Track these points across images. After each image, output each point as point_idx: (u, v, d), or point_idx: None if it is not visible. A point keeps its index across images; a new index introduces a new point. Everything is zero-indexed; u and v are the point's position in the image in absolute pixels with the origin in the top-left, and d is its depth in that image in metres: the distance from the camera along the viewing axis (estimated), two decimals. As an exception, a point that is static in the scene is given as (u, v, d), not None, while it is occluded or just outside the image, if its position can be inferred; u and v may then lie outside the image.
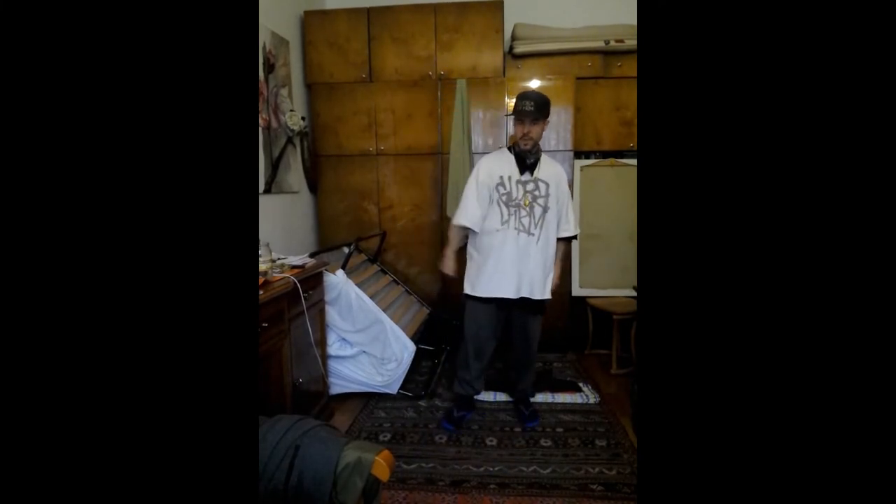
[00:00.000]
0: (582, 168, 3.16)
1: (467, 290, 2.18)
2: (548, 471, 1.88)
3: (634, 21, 2.94)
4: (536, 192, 2.06)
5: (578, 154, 3.12)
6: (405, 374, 2.49)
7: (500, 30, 2.98)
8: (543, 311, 2.23)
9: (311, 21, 3.06)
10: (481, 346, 2.22)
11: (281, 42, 2.74)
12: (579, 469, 1.89)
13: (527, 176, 2.07)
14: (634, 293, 2.77)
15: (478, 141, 3.05)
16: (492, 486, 1.78)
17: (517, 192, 2.06)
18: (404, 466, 1.92)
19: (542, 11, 3.29)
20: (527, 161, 2.07)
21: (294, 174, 2.90)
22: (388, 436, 2.18)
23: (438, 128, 3.06)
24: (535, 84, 3.01)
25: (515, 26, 3.12)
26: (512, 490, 1.76)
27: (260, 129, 2.50)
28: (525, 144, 2.02)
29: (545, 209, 2.07)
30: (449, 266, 2.20)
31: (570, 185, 3.04)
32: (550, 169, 2.10)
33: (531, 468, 1.90)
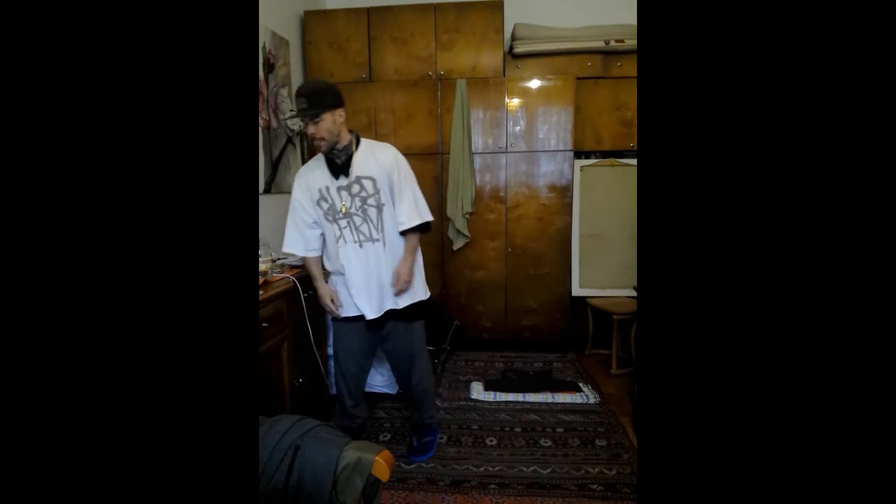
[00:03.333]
0: (582, 168, 3.16)
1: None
2: (548, 471, 1.88)
3: (634, 21, 2.94)
4: (363, 193, 1.76)
5: (578, 154, 3.12)
6: (405, 374, 2.49)
7: (500, 29, 2.98)
8: (418, 316, 1.93)
9: (311, 21, 3.06)
10: (350, 369, 1.96)
11: (281, 42, 2.74)
12: (579, 469, 1.88)
13: (343, 179, 1.75)
14: (634, 293, 2.77)
15: (478, 141, 3.04)
16: (492, 486, 1.78)
17: (340, 201, 1.76)
18: (404, 466, 1.92)
19: (542, 11, 3.29)
20: (337, 162, 1.75)
21: (294, 174, 2.89)
22: (388, 436, 2.18)
23: (438, 128, 3.05)
24: (534, 84, 2.99)
25: (515, 26, 3.12)
26: (512, 490, 1.76)
27: (260, 129, 2.50)
28: (319, 146, 1.72)
29: (380, 207, 1.77)
30: (322, 295, 1.87)
31: (570, 185, 3.04)
32: (372, 160, 1.77)
33: (531, 468, 1.89)
